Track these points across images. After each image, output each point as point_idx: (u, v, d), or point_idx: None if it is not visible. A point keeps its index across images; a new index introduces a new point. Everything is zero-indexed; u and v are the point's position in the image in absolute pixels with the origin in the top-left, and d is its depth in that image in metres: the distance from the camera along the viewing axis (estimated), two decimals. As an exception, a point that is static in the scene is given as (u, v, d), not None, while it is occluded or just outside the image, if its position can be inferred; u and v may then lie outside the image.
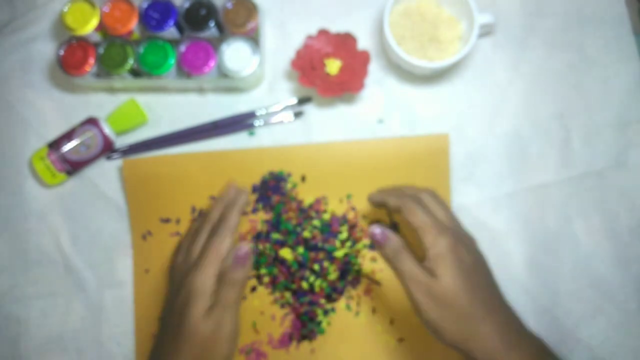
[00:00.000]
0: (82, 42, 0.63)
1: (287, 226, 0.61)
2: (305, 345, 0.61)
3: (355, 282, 0.62)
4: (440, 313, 0.48)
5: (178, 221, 0.64)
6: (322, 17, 0.66)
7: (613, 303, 0.62)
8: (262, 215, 0.63)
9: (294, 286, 0.61)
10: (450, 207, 0.62)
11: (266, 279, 0.62)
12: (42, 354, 0.64)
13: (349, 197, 0.63)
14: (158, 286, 0.63)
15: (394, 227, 0.62)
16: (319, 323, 0.61)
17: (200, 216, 0.62)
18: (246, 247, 0.54)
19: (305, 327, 0.61)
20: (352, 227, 0.62)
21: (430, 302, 0.48)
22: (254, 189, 0.63)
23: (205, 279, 0.52)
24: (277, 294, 0.62)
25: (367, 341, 0.61)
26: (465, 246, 0.50)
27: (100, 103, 0.67)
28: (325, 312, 0.61)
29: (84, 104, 0.67)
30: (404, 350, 0.60)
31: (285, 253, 0.61)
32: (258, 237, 0.63)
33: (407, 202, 0.52)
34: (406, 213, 0.51)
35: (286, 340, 0.61)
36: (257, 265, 0.62)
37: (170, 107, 0.67)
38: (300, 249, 0.61)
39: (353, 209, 0.63)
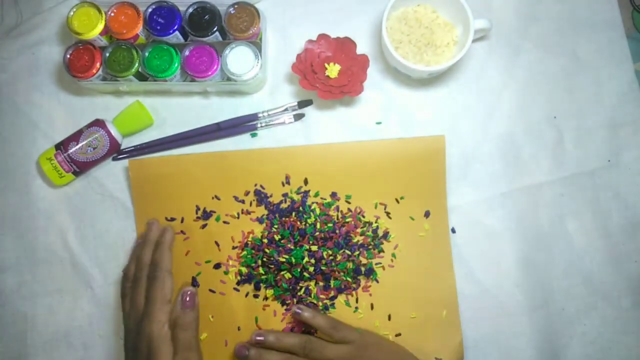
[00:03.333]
0: (88, 46, 0.64)
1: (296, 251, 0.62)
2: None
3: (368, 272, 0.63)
4: None
5: (182, 220, 0.65)
6: (322, 22, 0.67)
7: (606, 300, 0.63)
8: (264, 213, 0.65)
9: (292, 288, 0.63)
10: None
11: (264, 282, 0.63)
12: (49, 349, 0.65)
13: (348, 197, 0.65)
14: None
15: None
16: None
17: (131, 263, 0.62)
18: (190, 289, 0.58)
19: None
20: (343, 225, 0.64)
21: None
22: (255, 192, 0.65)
23: (159, 326, 0.55)
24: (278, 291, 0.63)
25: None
26: None
27: (107, 105, 0.68)
28: (326, 308, 0.63)
29: (91, 106, 0.68)
30: (401, 345, 0.62)
31: (286, 274, 0.62)
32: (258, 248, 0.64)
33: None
34: None
35: None
36: (254, 265, 0.63)
37: (175, 110, 0.68)
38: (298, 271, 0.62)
39: (351, 209, 0.64)
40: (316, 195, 0.64)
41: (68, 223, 0.67)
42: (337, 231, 0.63)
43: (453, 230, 0.64)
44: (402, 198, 0.64)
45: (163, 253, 0.60)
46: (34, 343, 0.65)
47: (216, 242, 0.65)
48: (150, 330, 0.55)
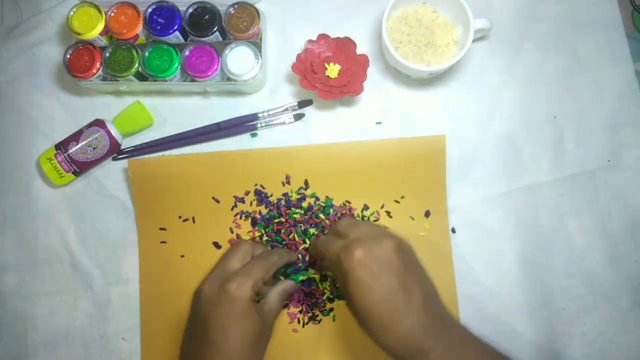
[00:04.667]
0: (88, 46, 0.64)
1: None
2: (311, 335, 0.62)
3: None
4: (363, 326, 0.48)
5: (184, 220, 0.65)
6: (322, 22, 0.67)
7: (606, 300, 0.63)
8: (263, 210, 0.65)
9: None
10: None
11: None
12: (49, 350, 0.65)
13: (348, 197, 0.64)
14: (163, 283, 0.64)
15: None
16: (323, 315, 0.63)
17: None
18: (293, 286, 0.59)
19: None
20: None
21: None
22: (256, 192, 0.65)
23: (255, 285, 0.51)
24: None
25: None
26: (377, 257, 0.48)
27: (107, 105, 0.68)
28: (327, 312, 0.63)
29: (91, 106, 0.68)
30: None
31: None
32: (253, 223, 0.64)
33: (315, 249, 0.57)
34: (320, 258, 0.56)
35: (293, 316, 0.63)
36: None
37: (175, 110, 0.68)
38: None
39: (351, 210, 0.64)
40: (312, 195, 0.64)
41: (68, 223, 0.67)
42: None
43: (453, 230, 0.64)
44: (402, 198, 0.64)
45: (283, 254, 0.58)
46: (34, 343, 0.65)
47: (216, 243, 0.65)
48: (244, 286, 0.50)
